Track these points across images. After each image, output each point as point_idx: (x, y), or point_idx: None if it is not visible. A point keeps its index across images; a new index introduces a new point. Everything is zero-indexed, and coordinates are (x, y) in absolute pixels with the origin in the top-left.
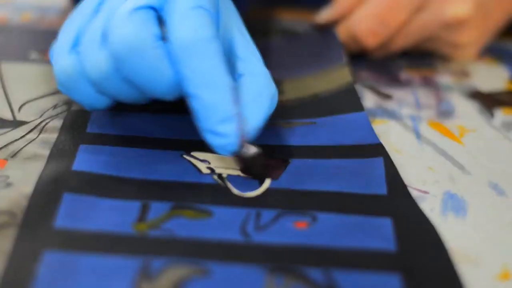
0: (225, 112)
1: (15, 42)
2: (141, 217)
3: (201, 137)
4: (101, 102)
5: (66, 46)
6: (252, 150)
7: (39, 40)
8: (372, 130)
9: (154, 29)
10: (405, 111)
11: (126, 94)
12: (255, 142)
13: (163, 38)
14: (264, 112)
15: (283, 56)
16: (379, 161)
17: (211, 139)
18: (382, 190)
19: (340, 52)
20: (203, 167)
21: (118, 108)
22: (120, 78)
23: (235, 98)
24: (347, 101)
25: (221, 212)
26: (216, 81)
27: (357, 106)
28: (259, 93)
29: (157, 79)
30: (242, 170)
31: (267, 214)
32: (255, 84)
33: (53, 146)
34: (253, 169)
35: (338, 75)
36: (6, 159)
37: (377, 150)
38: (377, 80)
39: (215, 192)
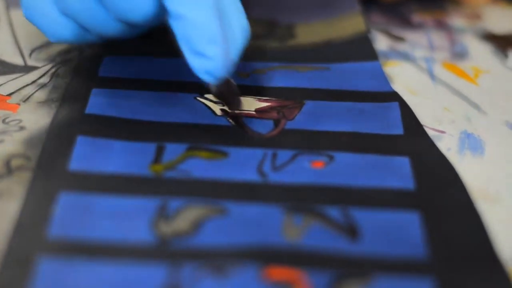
0: (212, 32)
1: None
2: (157, 159)
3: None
4: (68, 29)
5: None
6: (232, 81)
7: None
8: (386, 79)
9: None
10: (419, 53)
11: (93, 14)
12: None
13: None
14: (240, 45)
15: (295, 0)
16: (394, 104)
17: (196, 63)
18: (399, 130)
19: None
20: (217, 109)
21: (130, 52)
22: None
23: (222, 20)
24: (361, 49)
25: (237, 153)
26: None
27: (371, 55)
28: (238, 27)
29: None
30: (220, 100)
31: (284, 154)
32: (235, 18)
33: (65, 90)
34: (225, 96)
35: (352, 23)
36: (18, 104)
37: (391, 96)
38: (389, 23)
39: (230, 134)
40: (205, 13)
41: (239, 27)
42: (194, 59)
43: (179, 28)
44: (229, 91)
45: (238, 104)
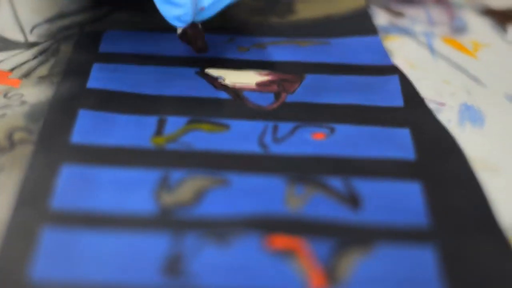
0: None
1: None
2: (158, 131)
3: (214, 54)
4: None
5: None
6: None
7: None
8: (386, 53)
9: None
10: (418, 28)
11: None
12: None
13: None
14: None
15: None
16: (395, 78)
17: (165, 9)
18: (399, 102)
19: None
20: (217, 83)
21: (131, 27)
22: None
23: None
24: (360, 24)
25: (238, 125)
26: None
27: (371, 29)
28: None
29: None
30: (188, 43)
31: (284, 127)
32: None
33: (66, 65)
34: (192, 39)
35: None
36: (20, 79)
37: (391, 69)
38: None
39: (231, 106)
40: None
41: None
42: (164, 6)
43: None
44: (195, 35)
45: (204, 48)
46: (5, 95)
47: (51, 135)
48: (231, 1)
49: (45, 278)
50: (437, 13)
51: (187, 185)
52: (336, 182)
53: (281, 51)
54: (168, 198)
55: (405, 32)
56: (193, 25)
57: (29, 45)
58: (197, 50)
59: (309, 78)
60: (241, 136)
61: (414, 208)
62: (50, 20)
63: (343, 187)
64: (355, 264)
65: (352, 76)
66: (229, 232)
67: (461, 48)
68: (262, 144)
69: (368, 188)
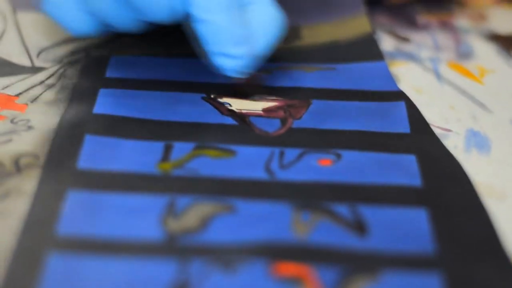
0: (237, 34)
1: None
2: (165, 157)
3: (221, 80)
4: (90, 25)
5: None
6: (254, 74)
7: None
8: (392, 79)
9: None
10: (424, 53)
11: (118, 13)
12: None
13: None
14: (270, 39)
15: (299, 2)
16: (401, 104)
17: (223, 62)
18: (405, 128)
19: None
20: (224, 109)
21: (137, 53)
22: None
23: (245, 20)
24: (366, 50)
25: (245, 151)
26: (224, 4)
27: (377, 55)
28: (266, 21)
29: None
30: (239, 92)
31: (291, 153)
32: (263, 12)
33: (72, 91)
34: (249, 90)
35: (357, 24)
36: (26, 104)
37: (398, 95)
38: (394, 24)
39: (237, 132)
40: (228, 17)
41: (266, 22)
42: (221, 59)
43: (203, 31)
44: (252, 84)
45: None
46: (11, 121)
47: (57, 161)
48: (278, 40)
49: None
50: (443, 38)
51: (193, 212)
52: (342, 209)
53: (288, 77)
54: (174, 225)
55: (411, 57)
56: (253, 75)
57: (36, 70)
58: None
59: (315, 104)
60: (248, 162)
61: (421, 235)
62: (56, 45)
63: (350, 214)
64: None
65: (359, 102)
66: (235, 259)
67: (467, 73)
68: (268, 170)
69: (375, 215)
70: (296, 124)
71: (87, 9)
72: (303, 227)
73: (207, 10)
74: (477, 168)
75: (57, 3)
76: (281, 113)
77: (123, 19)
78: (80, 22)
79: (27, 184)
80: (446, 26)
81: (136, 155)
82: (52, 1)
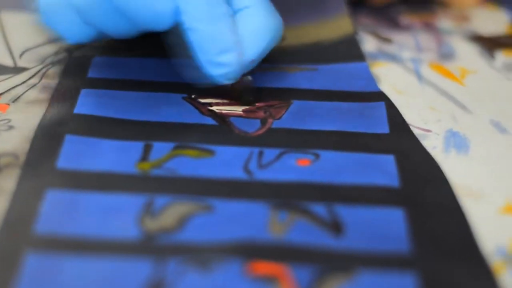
0: (225, 42)
1: None
2: (144, 157)
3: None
4: (86, 33)
5: None
6: (247, 78)
7: None
8: (373, 79)
9: None
10: (406, 54)
11: (114, 24)
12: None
13: None
14: (262, 44)
15: (283, 3)
16: (381, 104)
17: (211, 70)
18: (384, 129)
19: (341, 0)
20: (204, 109)
21: (119, 53)
22: (109, 6)
23: (233, 28)
24: (348, 50)
25: (224, 151)
26: (213, 13)
27: (358, 56)
28: (259, 26)
29: (150, 7)
30: (234, 98)
31: (270, 153)
32: (256, 16)
33: (54, 91)
34: (244, 96)
35: (339, 25)
36: (8, 104)
37: (378, 96)
38: (377, 25)
39: (217, 132)
40: (217, 25)
41: (259, 27)
42: (210, 66)
43: (192, 39)
44: (242, 87)
45: (250, 102)
46: None
47: (37, 160)
48: (273, 44)
49: None
50: (425, 39)
51: (171, 211)
52: (319, 209)
53: (269, 78)
54: (152, 224)
55: (393, 58)
56: (240, 79)
57: (18, 70)
58: (244, 103)
59: (296, 104)
60: (226, 162)
61: (397, 235)
62: (39, 45)
63: (326, 214)
64: None
65: (339, 103)
66: (211, 258)
67: (448, 74)
68: (247, 170)
69: (351, 215)
70: (276, 124)
71: (82, 19)
72: (280, 226)
73: (196, 19)
74: (455, 169)
75: (52, 14)
76: (261, 114)
77: (117, 28)
78: (76, 31)
79: (6, 183)
80: (429, 27)
81: (115, 155)
82: (48, 12)
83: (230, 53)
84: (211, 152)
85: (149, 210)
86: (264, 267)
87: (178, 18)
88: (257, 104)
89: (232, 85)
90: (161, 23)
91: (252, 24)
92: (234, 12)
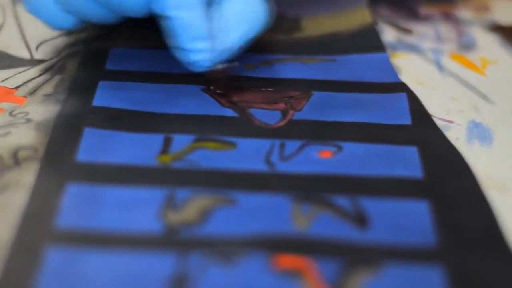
0: (197, 30)
1: None
2: (164, 150)
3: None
4: (69, 21)
5: None
6: (220, 66)
7: None
8: (393, 70)
9: None
10: (426, 45)
11: (94, 12)
12: (235, 60)
13: None
14: (243, 32)
15: None
16: (402, 95)
17: (183, 56)
18: (406, 120)
19: None
20: (224, 100)
21: (137, 45)
22: None
23: (208, 16)
24: (368, 41)
25: (245, 143)
26: (185, 1)
27: (378, 46)
28: (241, 13)
29: None
30: (209, 85)
31: (291, 145)
32: (239, 4)
33: (71, 83)
34: (217, 84)
35: (358, 16)
36: (25, 96)
37: (399, 87)
38: (396, 16)
39: (237, 124)
40: (190, 13)
41: (244, 14)
42: (182, 53)
43: (170, 28)
44: (219, 77)
45: (226, 88)
46: (10, 113)
47: (56, 154)
48: (257, 31)
49: None
50: (445, 29)
51: (193, 204)
52: (343, 201)
53: (289, 69)
54: (174, 217)
55: (413, 49)
56: (216, 69)
57: (35, 63)
58: (223, 91)
59: (316, 95)
60: (248, 154)
61: (422, 227)
62: (56, 37)
63: (350, 206)
64: (362, 284)
65: (359, 94)
66: (235, 252)
67: (469, 65)
68: (268, 162)
69: (375, 207)
70: (296, 115)
71: (64, 8)
72: (303, 219)
73: (168, 7)
74: (479, 160)
75: (36, 4)
76: (281, 105)
77: (99, 15)
78: (60, 19)
79: (26, 177)
80: (449, 17)
81: (135, 148)
82: (33, 2)
83: (202, 41)
84: (232, 144)
85: (171, 203)
86: (289, 261)
87: (154, 6)
88: (277, 95)
89: (207, 72)
90: (135, 11)
91: (235, 11)
92: None
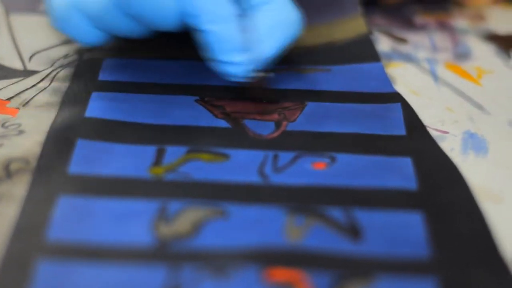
0: (233, 43)
1: None
2: (157, 161)
3: (214, 82)
4: (99, 37)
5: None
6: (261, 75)
7: None
8: (388, 80)
9: None
10: (421, 54)
11: (125, 28)
12: (268, 69)
13: None
14: (278, 41)
15: (295, 3)
16: (397, 105)
17: (224, 68)
18: (401, 131)
19: (355, 0)
20: (217, 112)
21: (130, 55)
22: (119, 12)
23: (244, 26)
24: (362, 51)
25: (238, 155)
26: (219, 15)
27: (373, 56)
28: (275, 23)
29: (160, 11)
30: (251, 94)
31: (285, 156)
32: (275, 13)
33: (64, 94)
34: (257, 92)
35: (353, 25)
36: (18, 108)
37: (394, 97)
38: (391, 25)
39: (231, 136)
40: (224, 27)
41: (277, 24)
42: (222, 65)
43: (207, 41)
44: (258, 85)
45: (265, 96)
46: (2, 125)
47: (49, 165)
48: (291, 39)
49: None
50: (441, 39)
51: (185, 216)
52: (336, 213)
53: (283, 79)
54: (166, 230)
55: (408, 58)
56: (257, 77)
57: (28, 73)
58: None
59: (310, 106)
60: (241, 166)
61: (416, 239)
62: (49, 48)
63: (344, 218)
64: None
65: (354, 104)
66: (227, 265)
67: (464, 74)
68: (262, 174)
69: (369, 219)
70: (290, 126)
71: (94, 24)
72: (296, 231)
73: (209, 21)
74: (474, 171)
75: (65, 19)
76: (275, 116)
77: (130, 30)
78: (88, 34)
79: (18, 189)
80: (444, 26)
81: (128, 160)
82: (60, 18)
83: (238, 53)
84: (225, 156)
85: (163, 216)
86: (281, 274)
87: (191, 21)
88: (271, 105)
89: (249, 83)
90: (173, 24)
91: (269, 21)
92: (252, 8)
